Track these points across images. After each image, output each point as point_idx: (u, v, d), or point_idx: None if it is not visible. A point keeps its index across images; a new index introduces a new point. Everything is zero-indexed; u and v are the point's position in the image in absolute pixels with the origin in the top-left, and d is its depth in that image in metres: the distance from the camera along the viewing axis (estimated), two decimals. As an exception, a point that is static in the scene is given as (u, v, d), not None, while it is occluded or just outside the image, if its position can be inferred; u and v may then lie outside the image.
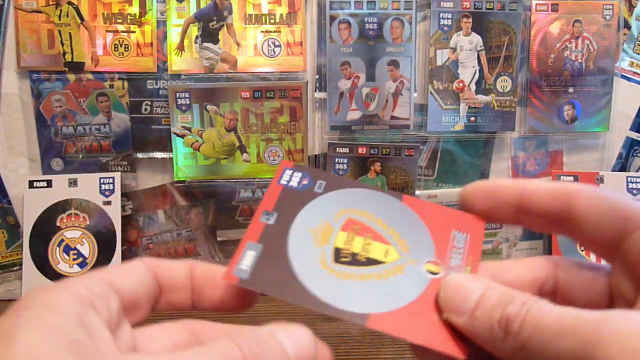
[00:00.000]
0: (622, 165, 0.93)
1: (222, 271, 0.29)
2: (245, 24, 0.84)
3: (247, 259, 0.28)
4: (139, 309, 0.28)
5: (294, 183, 0.32)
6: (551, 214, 0.29)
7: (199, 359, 0.22)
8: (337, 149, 0.86)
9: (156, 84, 0.84)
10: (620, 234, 0.26)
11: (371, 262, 0.29)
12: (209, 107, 0.84)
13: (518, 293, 0.26)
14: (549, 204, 0.29)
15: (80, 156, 0.85)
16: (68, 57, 0.83)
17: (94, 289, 0.25)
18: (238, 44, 0.84)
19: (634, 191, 0.87)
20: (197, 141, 0.84)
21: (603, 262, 0.29)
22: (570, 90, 0.89)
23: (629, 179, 0.87)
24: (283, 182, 0.32)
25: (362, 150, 0.86)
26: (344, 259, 0.29)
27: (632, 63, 0.91)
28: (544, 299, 0.25)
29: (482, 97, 0.87)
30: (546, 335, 0.23)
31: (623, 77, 0.90)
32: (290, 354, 0.24)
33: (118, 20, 0.83)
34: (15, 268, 0.86)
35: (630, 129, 0.92)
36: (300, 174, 0.32)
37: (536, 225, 0.30)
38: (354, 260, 0.29)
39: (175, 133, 0.84)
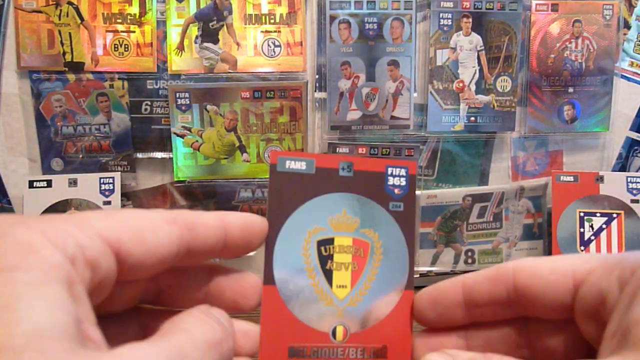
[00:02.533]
0: (622, 165, 0.93)
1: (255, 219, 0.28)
2: (245, 24, 0.84)
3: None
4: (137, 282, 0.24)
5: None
6: (498, 298, 0.28)
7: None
8: (337, 149, 0.86)
9: (156, 84, 0.84)
10: (571, 289, 0.27)
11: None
12: (209, 107, 0.84)
13: None
14: (491, 289, 0.28)
15: (80, 156, 0.85)
16: (68, 57, 0.83)
17: (86, 250, 0.21)
18: (238, 44, 0.84)
19: (634, 191, 0.87)
20: (197, 141, 0.84)
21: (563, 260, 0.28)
22: (570, 90, 0.89)
23: (629, 179, 0.87)
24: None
25: (362, 150, 0.86)
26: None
27: (632, 63, 0.91)
28: None
29: (482, 97, 0.87)
30: None
31: (623, 77, 0.90)
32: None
33: (118, 20, 0.83)
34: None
35: (630, 129, 0.92)
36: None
37: (491, 315, 0.29)
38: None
39: (175, 133, 0.84)
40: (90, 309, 0.21)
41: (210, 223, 0.26)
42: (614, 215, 0.86)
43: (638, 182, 0.87)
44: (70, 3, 0.82)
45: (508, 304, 0.28)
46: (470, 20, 0.85)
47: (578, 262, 0.27)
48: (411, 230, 0.31)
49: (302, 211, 0.30)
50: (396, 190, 0.30)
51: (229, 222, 0.26)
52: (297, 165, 0.29)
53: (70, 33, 0.82)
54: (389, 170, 0.30)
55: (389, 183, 0.30)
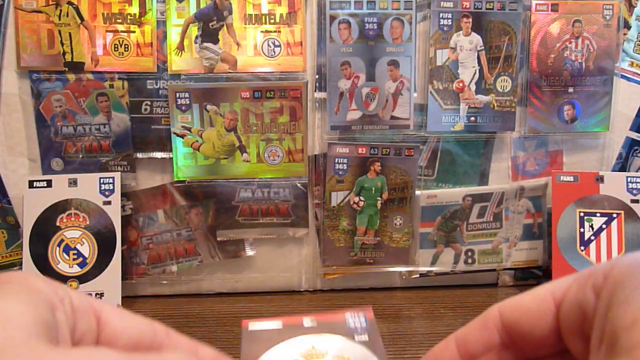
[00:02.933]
0: (622, 165, 0.93)
1: None
2: (245, 24, 0.84)
3: None
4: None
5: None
6: (492, 343, 0.28)
7: None
8: (337, 149, 0.86)
9: (156, 84, 0.84)
10: (554, 311, 0.27)
11: None
12: (209, 107, 0.84)
13: None
14: (483, 335, 0.28)
15: (80, 156, 0.85)
16: (68, 57, 0.83)
17: (73, 299, 0.24)
18: (238, 44, 0.84)
19: (634, 191, 0.87)
20: (197, 141, 0.84)
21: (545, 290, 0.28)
22: (570, 90, 0.89)
23: (628, 179, 0.87)
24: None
25: (362, 150, 0.86)
26: None
27: (632, 63, 0.91)
28: None
29: (482, 97, 0.87)
30: None
31: (623, 77, 0.90)
32: None
33: (118, 20, 0.83)
34: (15, 268, 0.86)
35: (630, 129, 0.92)
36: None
37: None
38: None
39: (175, 133, 0.84)
40: (69, 339, 0.23)
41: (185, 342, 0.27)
42: (614, 215, 0.86)
43: (638, 182, 0.87)
44: (70, 3, 0.82)
45: (503, 346, 0.28)
46: (470, 20, 0.85)
47: (557, 284, 0.27)
48: (380, 346, 0.33)
49: (274, 350, 0.31)
50: (359, 329, 0.33)
51: (200, 348, 0.28)
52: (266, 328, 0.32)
53: (70, 33, 0.82)
54: (348, 318, 0.34)
55: (350, 326, 0.33)
